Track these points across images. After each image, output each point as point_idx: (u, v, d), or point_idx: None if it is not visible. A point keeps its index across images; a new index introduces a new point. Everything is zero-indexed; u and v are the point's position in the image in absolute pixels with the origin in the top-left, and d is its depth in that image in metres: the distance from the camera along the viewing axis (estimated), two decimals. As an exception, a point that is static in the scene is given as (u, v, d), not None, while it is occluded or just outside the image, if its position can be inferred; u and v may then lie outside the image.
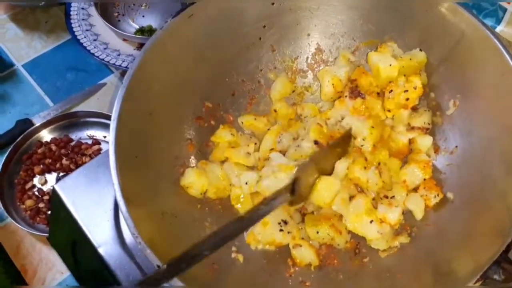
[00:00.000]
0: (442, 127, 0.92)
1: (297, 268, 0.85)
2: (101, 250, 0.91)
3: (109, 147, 0.78)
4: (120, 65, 1.31)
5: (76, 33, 1.37)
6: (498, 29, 1.07)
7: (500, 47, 0.82)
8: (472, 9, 1.13)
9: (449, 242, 0.81)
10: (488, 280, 0.66)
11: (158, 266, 0.68)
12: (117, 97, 0.80)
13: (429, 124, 0.93)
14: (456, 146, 0.89)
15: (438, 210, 0.87)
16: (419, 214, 0.87)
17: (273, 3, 0.95)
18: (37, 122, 1.29)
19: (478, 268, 0.68)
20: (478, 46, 0.85)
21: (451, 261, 0.77)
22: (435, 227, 0.85)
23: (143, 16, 1.43)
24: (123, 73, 1.38)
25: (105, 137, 1.29)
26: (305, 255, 0.85)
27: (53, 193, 0.96)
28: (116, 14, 1.42)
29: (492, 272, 0.66)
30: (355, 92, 0.94)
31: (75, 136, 1.30)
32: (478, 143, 0.86)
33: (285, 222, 0.86)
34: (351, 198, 0.87)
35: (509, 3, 1.04)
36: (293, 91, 1.02)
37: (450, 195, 0.87)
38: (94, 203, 0.95)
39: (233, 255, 0.85)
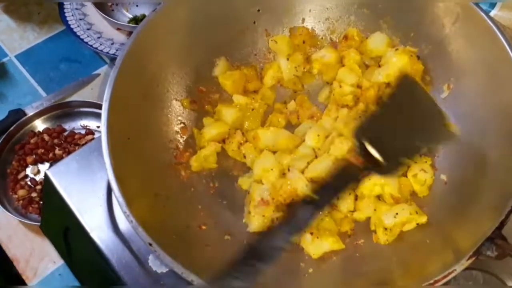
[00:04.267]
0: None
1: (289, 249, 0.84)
2: (93, 235, 0.90)
3: (101, 127, 0.77)
4: (113, 54, 1.31)
5: (69, 22, 1.36)
6: (492, 13, 1.07)
7: (496, 30, 0.81)
8: (466, -7, 1.13)
9: (443, 222, 0.81)
10: (481, 256, 0.66)
11: (150, 244, 0.68)
12: (109, 78, 0.80)
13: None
14: (450, 129, 0.89)
15: (432, 192, 0.87)
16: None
17: (267, -12, 0.95)
18: (30, 113, 1.28)
19: (471, 245, 0.68)
20: (473, 29, 0.85)
21: (445, 241, 0.76)
22: (428, 208, 0.85)
23: (137, 6, 1.43)
24: (116, 63, 1.38)
25: (98, 127, 1.28)
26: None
27: (45, 178, 0.96)
28: (109, 3, 1.42)
29: (485, 249, 0.66)
30: None
31: (68, 126, 1.29)
32: (472, 125, 0.86)
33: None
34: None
35: (502, -12, 1.04)
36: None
37: (443, 177, 0.87)
38: (86, 189, 0.94)
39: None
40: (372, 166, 0.74)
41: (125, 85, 0.81)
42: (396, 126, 0.77)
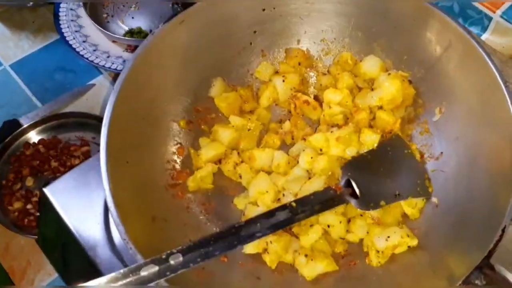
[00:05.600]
0: (428, 134, 0.94)
1: (284, 270, 0.86)
2: (91, 253, 0.92)
3: (100, 153, 0.78)
4: (109, 67, 1.31)
5: (65, 35, 1.36)
6: (484, 37, 1.09)
7: (485, 57, 0.83)
8: (458, 17, 1.16)
9: (435, 246, 0.83)
10: (470, 285, 0.68)
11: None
12: (108, 102, 0.81)
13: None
14: (442, 152, 0.91)
15: (423, 215, 0.89)
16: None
17: (263, 9, 0.96)
18: (25, 123, 1.28)
19: (460, 274, 0.70)
20: (464, 55, 0.87)
21: (437, 265, 0.78)
22: (419, 231, 0.87)
23: (133, 18, 1.43)
24: (112, 74, 1.38)
25: (93, 138, 1.29)
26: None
27: (43, 196, 0.96)
28: (105, 15, 1.42)
29: (474, 278, 0.68)
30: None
31: (63, 137, 1.29)
32: (463, 149, 0.88)
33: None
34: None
35: (494, 12, 1.06)
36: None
37: (434, 199, 0.89)
38: (84, 206, 0.95)
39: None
40: (349, 197, 0.85)
41: (124, 109, 0.82)
42: (381, 173, 0.89)
